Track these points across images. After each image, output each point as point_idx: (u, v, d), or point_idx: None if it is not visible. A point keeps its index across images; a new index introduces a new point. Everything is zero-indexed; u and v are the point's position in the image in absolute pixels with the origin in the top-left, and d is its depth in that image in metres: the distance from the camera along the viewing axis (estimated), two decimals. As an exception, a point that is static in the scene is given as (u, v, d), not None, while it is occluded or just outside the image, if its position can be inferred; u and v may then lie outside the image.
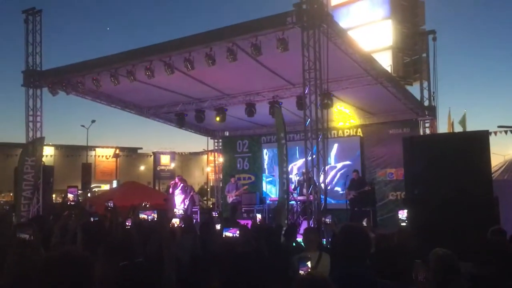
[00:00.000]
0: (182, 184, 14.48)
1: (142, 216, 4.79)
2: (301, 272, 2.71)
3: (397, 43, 15.28)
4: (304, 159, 8.72)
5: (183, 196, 14.23)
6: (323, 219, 6.57)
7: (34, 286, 1.77)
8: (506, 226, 6.21)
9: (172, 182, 15.15)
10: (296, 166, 15.20)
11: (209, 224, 6.57)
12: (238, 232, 4.29)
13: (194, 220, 10.71)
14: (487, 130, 8.17)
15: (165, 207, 12.43)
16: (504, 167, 16.00)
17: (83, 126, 33.65)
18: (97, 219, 6.35)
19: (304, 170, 11.23)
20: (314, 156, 8.25)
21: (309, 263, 2.79)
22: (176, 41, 9.55)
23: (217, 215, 9.91)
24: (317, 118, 8.29)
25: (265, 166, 16.81)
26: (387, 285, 2.78)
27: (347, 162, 15.00)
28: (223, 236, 4.36)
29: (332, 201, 13.71)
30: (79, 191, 12.66)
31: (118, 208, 7.83)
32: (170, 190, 14.63)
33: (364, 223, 7.05)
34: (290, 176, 12.23)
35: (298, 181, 12.86)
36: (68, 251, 1.78)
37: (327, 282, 2.18)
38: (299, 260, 2.85)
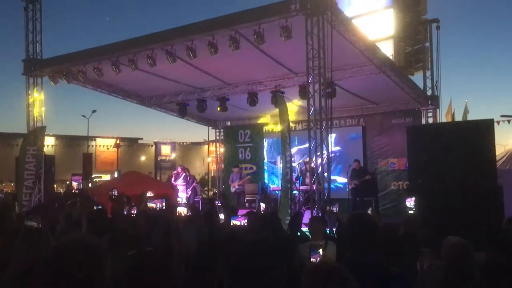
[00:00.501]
0: (184, 174, 14.47)
1: (150, 205, 4.77)
2: (313, 260, 2.68)
3: (398, 33, 15.12)
4: (299, 147, 8.68)
5: (185, 185, 14.22)
6: (329, 207, 6.54)
7: (44, 274, 1.71)
8: (510, 215, 6.20)
9: (174, 171, 15.13)
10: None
11: (212, 214, 6.56)
12: (246, 220, 4.27)
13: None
14: (492, 119, 8.14)
15: (170, 196, 12.37)
16: (506, 156, 16.03)
17: (84, 116, 33.55)
18: (100, 207, 6.35)
19: (306, 159, 11.21)
20: (318, 146, 8.21)
21: (320, 251, 2.77)
22: (178, 29, 9.47)
23: (219, 204, 9.92)
24: (320, 107, 8.23)
25: (265, 154, 16.64)
26: (397, 273, 2.75)
27: (337, 148, 14.76)
28: (231, 224, 4.33)
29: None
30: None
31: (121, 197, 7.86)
32: (173, 179, 14.62)
33: (369, 212, 7.03)
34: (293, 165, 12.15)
35: (301, 170, 12.81)
36: (79, 238, 1.72)
37: (340, 269, 2.15)
38: (310, 248, 2.82)
